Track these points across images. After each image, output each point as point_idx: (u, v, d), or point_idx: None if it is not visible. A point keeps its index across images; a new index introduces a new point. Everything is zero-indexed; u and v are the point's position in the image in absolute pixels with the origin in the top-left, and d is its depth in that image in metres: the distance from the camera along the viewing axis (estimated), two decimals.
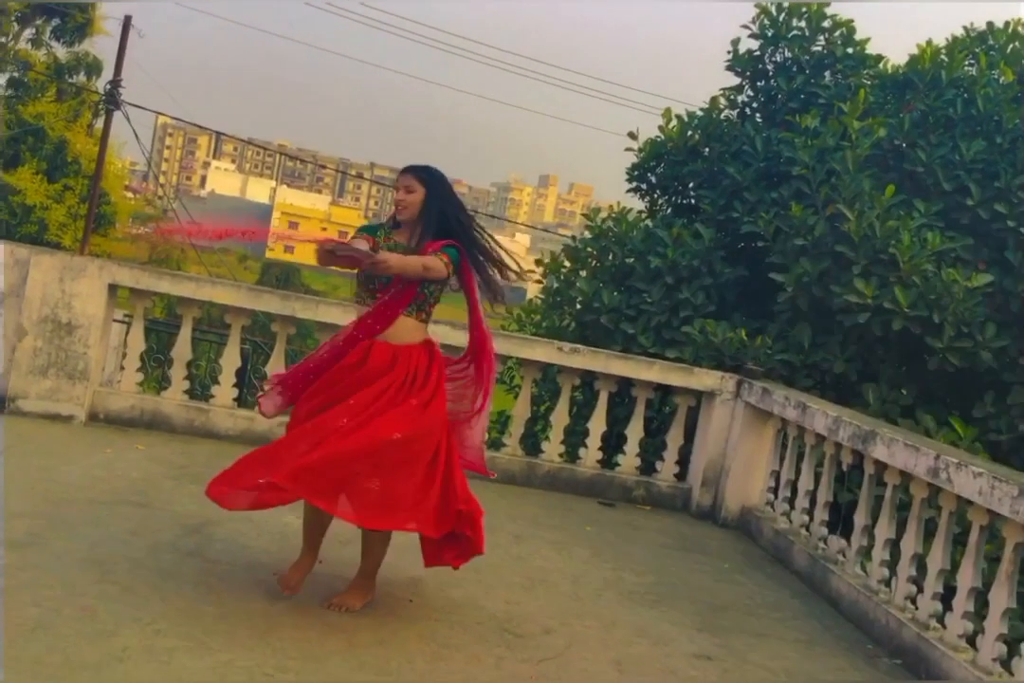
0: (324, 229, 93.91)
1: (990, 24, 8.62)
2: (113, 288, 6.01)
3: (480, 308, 4.05)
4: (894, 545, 4.62)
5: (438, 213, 3.78)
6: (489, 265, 4.04)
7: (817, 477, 5.41)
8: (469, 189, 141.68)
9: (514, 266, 4.22)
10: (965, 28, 8.87)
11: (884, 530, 4.65)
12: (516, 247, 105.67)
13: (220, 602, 3.61)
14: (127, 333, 9.45)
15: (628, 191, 9.32)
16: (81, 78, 19.19)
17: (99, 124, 18.46)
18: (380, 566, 3.83)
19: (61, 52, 19.08)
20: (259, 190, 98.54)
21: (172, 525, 4.36)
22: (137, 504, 4.53)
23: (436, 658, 3.48)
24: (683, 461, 6.36)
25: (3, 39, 18.33)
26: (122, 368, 6.46)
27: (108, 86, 16.75)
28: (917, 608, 4.28)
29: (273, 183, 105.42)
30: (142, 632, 3.26)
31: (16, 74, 18.61)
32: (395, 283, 3.74)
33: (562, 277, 8.74)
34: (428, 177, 3.79)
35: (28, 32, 18.92)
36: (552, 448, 6.40)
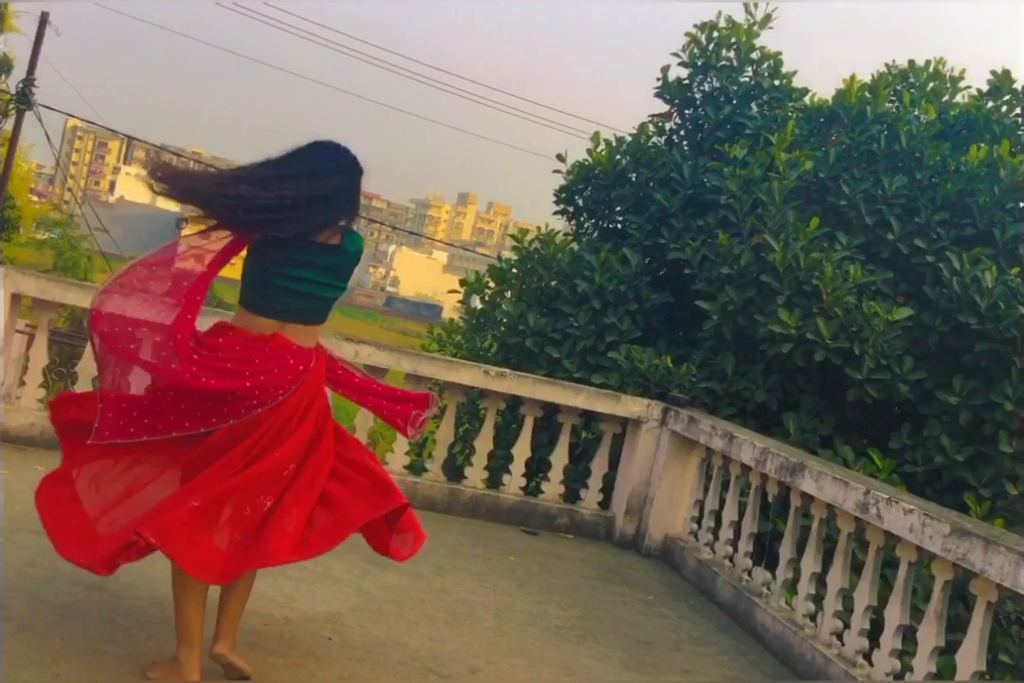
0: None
1: (911, 62, 8.87)
2: (16, 297, 5.70)
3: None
4: (819, 579, 4.62)
5: None
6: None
7: (741, 508, 5.40)
8: (387, 205, 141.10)
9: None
10: (887, 65, 9.11)
11: (810, 563, 4.64)
12: (434, 264, 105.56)
13: (127, 642, 3.38)
14: (28, 345, 9.10)
15: (555, 213, 9.30)
16: None
17: (6, 125, 17.81)
18: None
19: None
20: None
21: None
22: (35, 531, 4.23)
23: None
24: (607, 489, 6.30)
25: None
26: (22, 383, 6.13)
27: (20, 85, 16.12)
28: (844, 644, 4.27)
29: None
30: (40, 675, 3.03)
31: None
32: None
33: (486, 298, 8.66)
34: None
35: None
36: (475, 474, 6.28)
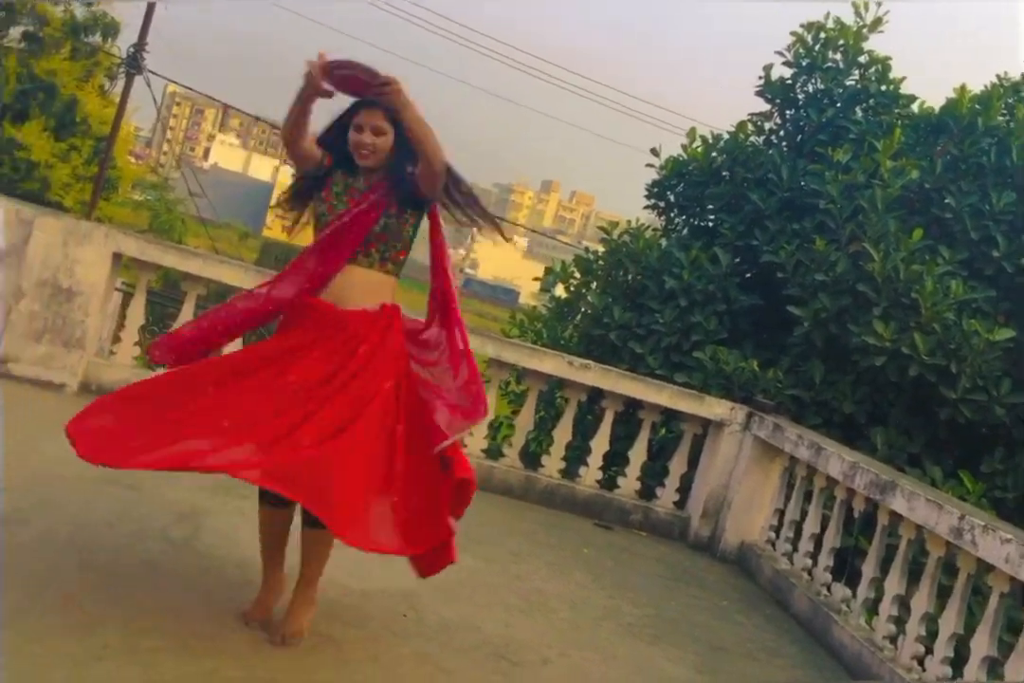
0: None
1: None
2: (117, 257, 5.75)
3: (447, 253, 3.24)
4: (902, 601, 4.44)
5: (408, 153, 3.08)
6: (471, 204, 3.30)
7: (824, 521, 5.23)
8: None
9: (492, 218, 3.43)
10: (999, 77, 8.75)
11: (894, 584, 4.47)
12: (513, 249, 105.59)
13: (208, 601, 3.37)
14: (123, 302, 9.22)
15: (646, 207, 9.14)
16: (97, 38, 18.77)
17: (112, 87, 18.13)
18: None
19: (79, 10, 18.67)
20: (262, 168, 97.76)
21: (161, 511, 4.12)
22: (126, 486, 4.28)
23: (429, 680, 3.27)
24: (684, 489, 6.17)
25: None
26: (118, 339, 6.19)
27: (131, 50, 16.36)
28: (925, 670, 4.10)
29: (276, 162, 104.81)
30: (125, 629, 3.03)
31: (32, 28, 18.18)
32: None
33: (571, 288, 8.54)
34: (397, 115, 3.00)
35: None
36: (552, 463, 6.19)
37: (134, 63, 16.15)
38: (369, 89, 2.94)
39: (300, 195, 3.30)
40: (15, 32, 18.23)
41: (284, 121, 3.04)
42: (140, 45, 16.43)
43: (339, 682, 3.12)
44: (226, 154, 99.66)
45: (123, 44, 19.22)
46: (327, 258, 3.09)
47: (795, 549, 5.43)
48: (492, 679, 3.43)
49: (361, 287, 3.11)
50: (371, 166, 3.11)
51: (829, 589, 4.99)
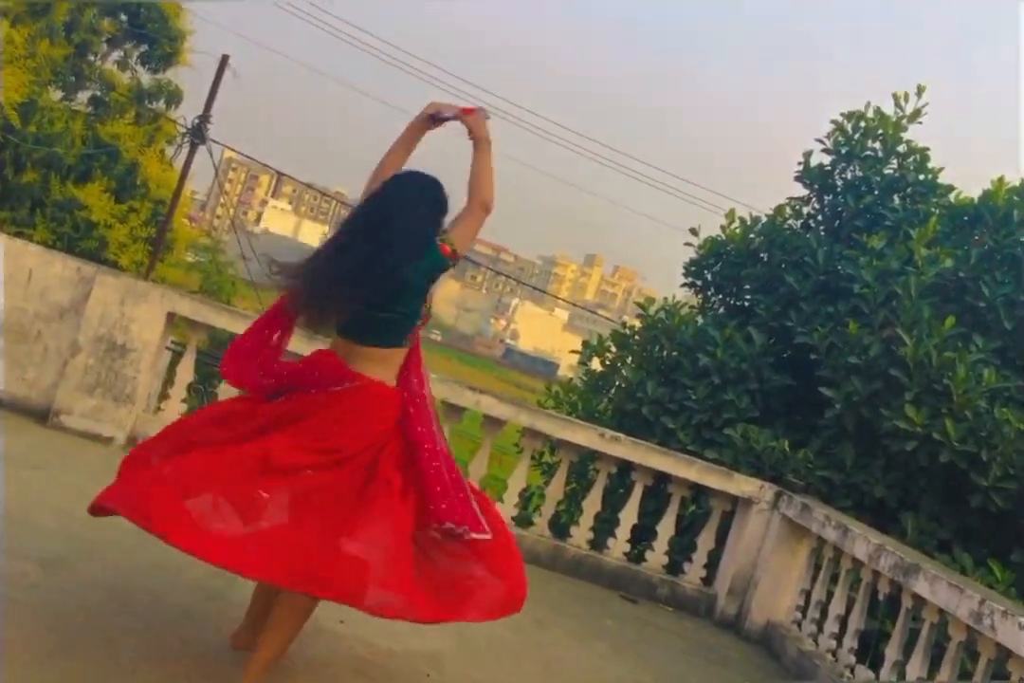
0: None
1: None
2: (171, 316, 5.99)
3: None
4: None
5: None
6: None
7: (849, 602, 5.23)
8: (515, 258, 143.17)
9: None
10: None
11: (916, 668, 4.47)
12: (554, 321, 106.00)
13: (241, 652, 3.48)
14: (172, 360, 9.48)
15: (683, 285, 9.32)
16: (160, 105, 19.56)
17: (177, 155, 18.78)
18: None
19: (145, 77, 19.50)
20: (311, 233, 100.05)
21: (199, 562, 4.24)
22: None
23: None
24: (711, 565, 6.19)
25: (91, 57, 18.71)
26: (167, 396, 6.40)
27: (196, 121, 17.02)
28: None
29: (326, 228, 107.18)
30: (162, 674, 3.15)
31: (99, 93, 19.00)
32: None
33: (607, 362, 8.69)
34: None
35: (116, 54, 19.35)
36: (580, 534, 6.26)
37: (198, 133, 16.79)
38: (475, 121, 3.35)
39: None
40: (83, 96, 19.05)
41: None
42: (205, 116, 17.12)
43: None
44: (277, 219, 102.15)
45: (186, 112, 20.10)
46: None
47: (820, 630, 5.41)
48: None
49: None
50: None
51: (853, 671, 4.97)
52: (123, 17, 18.58)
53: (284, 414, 3.12)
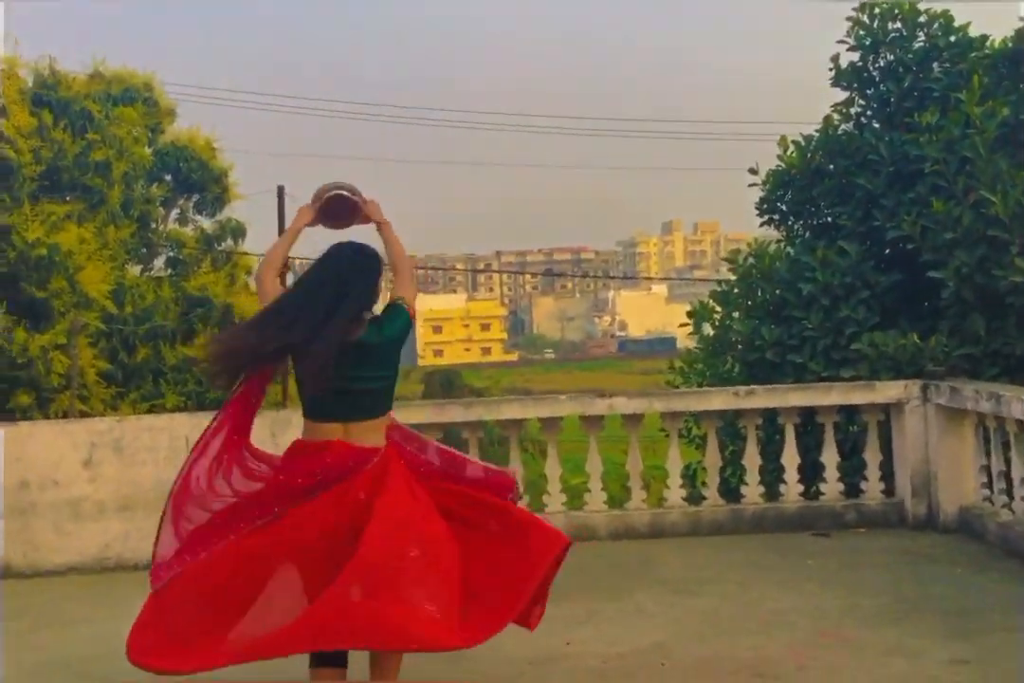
0: (466, 325, 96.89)
1: None
2: None
3: None
4: None
5: None
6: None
7: None
8: (596, 254, 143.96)
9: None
10: None
11: None
12: (655, 298, 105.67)
13: None
14: None
15: (761, 224, 9.48)
16: (229, 243, 20.77)
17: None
18: None
19: (207, 223, 20.76)
20: None
21: None
22: None
23: None
24: (886, 476, 6.34)
25: (153, 225, 20.05)
26: None
27: None
28: None
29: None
30: None
31: (172, 254, 20.34)
32: None
33: (716, 323, 8.90)
34: None
35: (174, 213, 20.68)
36: (752, 491, 6.50)
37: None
38: (355, 210, 3.64)
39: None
40: (159, 262, 20.41)
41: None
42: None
43: None
44: None
45: (259, 233, 21.47)
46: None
47: (1011, 498, 5.51)
48: None
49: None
50: None
51: None
52: (167, 177, 19.96)
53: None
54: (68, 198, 17.79)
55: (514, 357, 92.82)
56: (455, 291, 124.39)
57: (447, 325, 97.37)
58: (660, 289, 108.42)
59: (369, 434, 3.42)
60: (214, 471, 3.53)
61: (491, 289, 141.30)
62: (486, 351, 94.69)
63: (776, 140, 9.60)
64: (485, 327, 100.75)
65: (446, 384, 38.02)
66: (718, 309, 8.91)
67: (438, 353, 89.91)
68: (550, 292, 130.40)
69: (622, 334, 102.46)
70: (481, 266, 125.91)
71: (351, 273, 3.44)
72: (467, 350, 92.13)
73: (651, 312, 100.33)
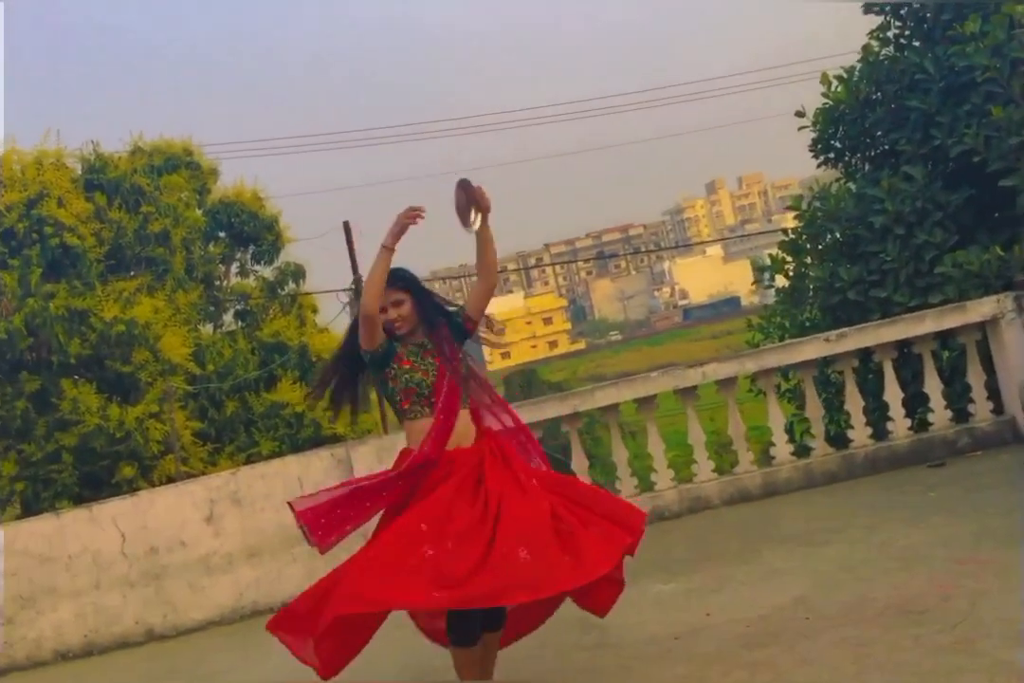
0: (528, 323, 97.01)
1: None
2: None
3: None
4: None
5: (429, 304, 3.82)
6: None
7: None
8: (644, 228, 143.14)
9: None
10: None
11: None
12: (712, 261, 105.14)
13: None
14: None
15: (819, 166, 9.32)
16: (291, 286, 21.32)
17: (337, 317, 20.75)
18: None
19: (267, 271, 21.38)
20: None
21: None
22: None
23: (858, 657, 3.59)
24: (994, 395, 6.21)
25: (217, 283, 20.72)
26: None
27: (351, 287, 18.96)
28: None
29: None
30: None
31: (239, 307, 20.98)
32: (442, 379, 3.73)
33: (790, 274, 8.78)
34: (405, 283, 3.78)
35: (234, 267, 21.33)
36: (859, 434, 6.47)
37: (358, 293, 18.51)
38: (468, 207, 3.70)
39: (349, 379, 3.94)
40: (227, 317, 21.04)
41: (370, 288, 3.66)
42: (356, 280, 19.07)
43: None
44: None
45: (323, 264, 22.15)
46: (452, 412, 3.72)
47: None
48: (908, 632, 3.70)
49: (465, 427, 3.75)
50: (408, 331, 3.78)
51: None
52: (222, 235, 20.78)
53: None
54: (134, 272, 18.70)
55: (581, 345, 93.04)
56: (511, 291, 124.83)
57: (509, 326, 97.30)
58: (715, 251, 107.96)
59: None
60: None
61: (546, 283, 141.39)
62: (553, 345, 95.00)
63: (817, 78, 9.48)
64: (547, 321, 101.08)
65: (525, 383, 37.94)
66: (789, 259, 8.79)
67: (505, 355, 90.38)
68: (605, 274, 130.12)
69: (684, 303, 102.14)
70: (532, 262, 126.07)
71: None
72: (533, 347, 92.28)
73: (710, 276, 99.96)
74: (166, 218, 18.76)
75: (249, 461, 15.33)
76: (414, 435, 3.70)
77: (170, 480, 14.95)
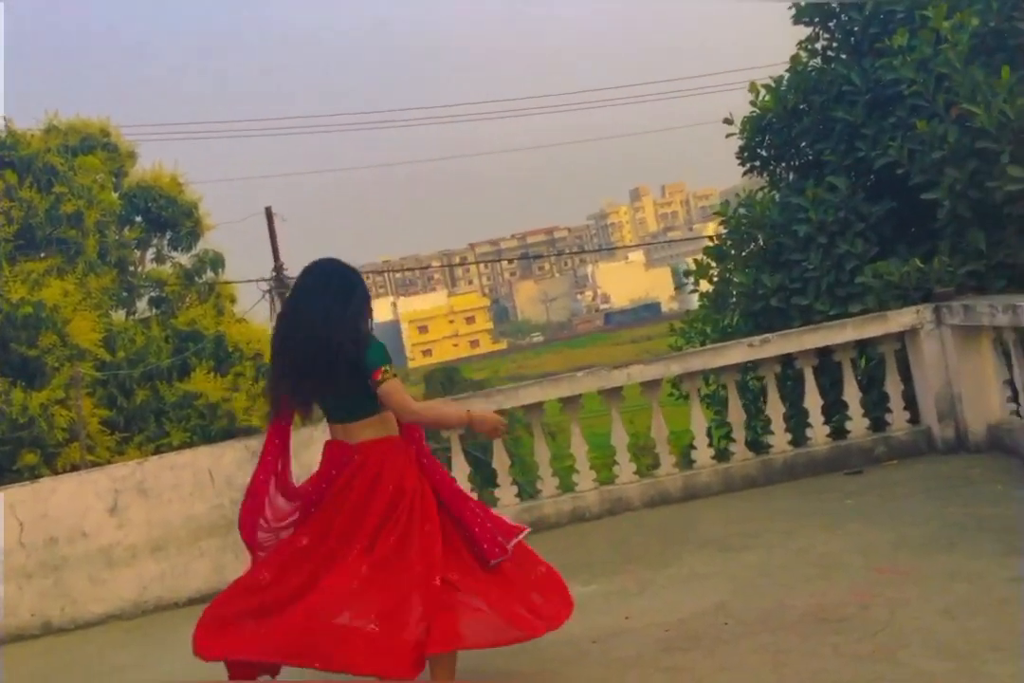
0: (451, 321, 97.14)
1: None
2: None
3: None
4: None
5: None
6: None
7: None
8: (568, 231, 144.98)
9: None
10: None
11: None
12: (634, 267, 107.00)
13: None
14: None
15: (745, 173, 9.44)
16: (210, 274, 20.87)
17: (248, 306, 20.28)
18: None
19: (184, 259, 20.88)
20: (380, 310, 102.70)
21: None
22: None
23: (777, 665, 3.63)
24: (911, 404, 6.35)
25: (131, 268, 20.15)
26: None
27: (273, 273, 18.44)
28: None
29: (391, 298, 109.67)
30: None
31: (154, 294, 20.45)
32: None
33: (714, 279, 8.88)
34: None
35: (150, 253, 20.78)
36: (779, 439, 6.55)
37: (280, 282, 18.04)
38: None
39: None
40: (141, 304, 20.52)
41: (435, 419, 3.84)
42: (278, 266, 18.56)
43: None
44: None
45: (243, 257, 21.65)
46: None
47: None
48: (827, 640, 3.75)
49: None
50: None
51: None
52: (138, 219, 20.17)
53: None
54: (44, 254, 18.09)
55: (503, 345, 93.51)
56: (435, 289, 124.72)
57: (432, 324, 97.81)
58: (637, 257, 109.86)
59: (360, 432, 3.70)
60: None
61: (470, 282, 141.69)
62: (474, 344, 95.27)
63: (745, 87, 9.61)
64: (470, 320, 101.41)
65: (446, 381, 37.81)
66: (713, 265, 8.89)
67: (426, 352, 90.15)
68: (529, 276, 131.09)
69: (606, 307, 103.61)
70: (456, 260, 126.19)
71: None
72: (455, 345, 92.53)
73: (632, 281, 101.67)
74: (80, 199, 18.17)
75: (159, 452, 14.96)
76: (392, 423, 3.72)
77: (75, 469, 14.48)
